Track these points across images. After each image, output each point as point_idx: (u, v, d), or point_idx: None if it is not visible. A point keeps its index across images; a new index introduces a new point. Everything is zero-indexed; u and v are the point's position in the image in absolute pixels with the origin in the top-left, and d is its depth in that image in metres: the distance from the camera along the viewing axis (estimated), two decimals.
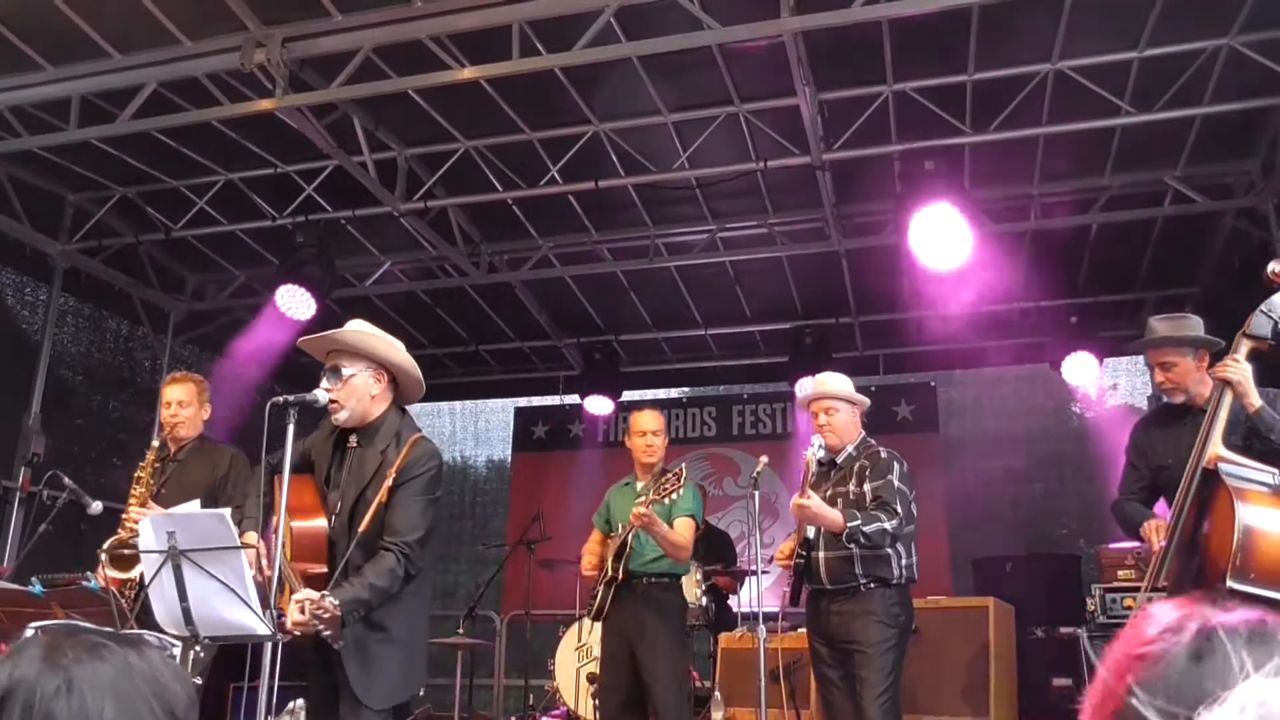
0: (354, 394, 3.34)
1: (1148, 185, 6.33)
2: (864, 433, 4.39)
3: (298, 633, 3.10)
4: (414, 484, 3.28)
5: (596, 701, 5.88)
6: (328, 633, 3.06)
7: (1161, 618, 0.77)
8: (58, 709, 1.04)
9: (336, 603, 3.03)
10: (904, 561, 4.16)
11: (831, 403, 4.31)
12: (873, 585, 4.09)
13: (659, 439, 4.69)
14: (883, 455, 4.25)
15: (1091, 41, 5.17)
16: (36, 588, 3.69)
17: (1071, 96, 5.40)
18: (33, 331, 6.81)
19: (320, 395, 3.39)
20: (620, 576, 4.49)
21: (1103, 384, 8.30)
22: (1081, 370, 7.48)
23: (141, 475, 4.52)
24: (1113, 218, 6.46)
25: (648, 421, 4.73)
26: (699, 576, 5.67)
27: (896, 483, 4.11)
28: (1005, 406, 9.35)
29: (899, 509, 4.02)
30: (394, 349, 3.46)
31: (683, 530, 4.44)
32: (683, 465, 4.40)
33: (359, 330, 3.46)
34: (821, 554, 4.17)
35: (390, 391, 3.44)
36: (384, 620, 3.26)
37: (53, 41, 5.13)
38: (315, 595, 3.05)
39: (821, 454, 4.03)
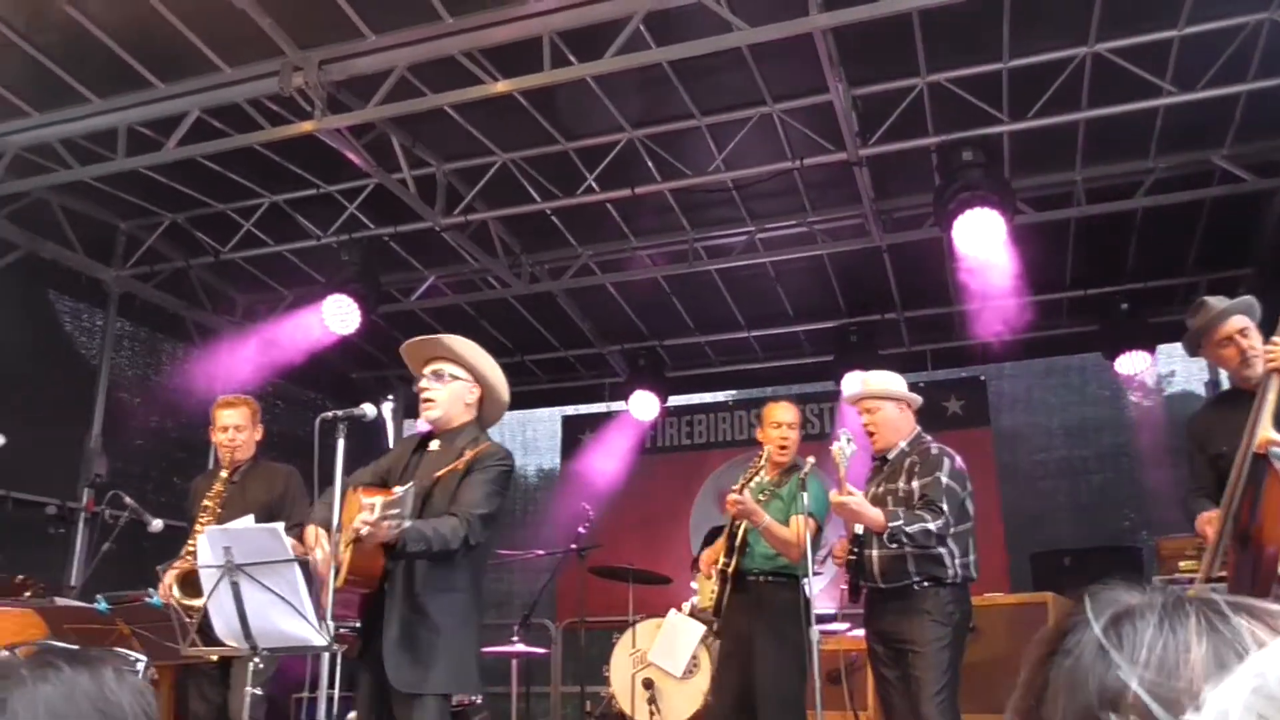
0: (451, 397, 3.52)
1: (1194, 166, 6.19)
2: (918, 429, 4.34)
3: (364, 532, 3.06)
4: (487, 471, 3.41)
5: (653, 708, 5.89)
6: (394, 523, 3.04)
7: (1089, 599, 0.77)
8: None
9: (409, 488, 3.06)
10: (958, 560, 4.07)
11: (874, 401, 4.27)
12: (926, 584, 4.02)
13: (795, 432, 4.52)
14: (933, 452, 4.17)
15: (1129, 22, 5.08)
16: (101, 605, 3.80)
17: (1111, 79, 5.31)
18: (91, 356, 6.99)
19: (369, 409, 3.47)
20: (731, 570, 4.37)
21: (1158, 370, 8.13)
22: (1134, 358, 7.34)
23: (209, 504, 4.57)
24: (1160, 201, 6.32)
25: (783, 413, 4.56)
26: None
27: (945, 480, 4.03)
28: (1058, 397, 9.20)
29: (945, 507, 3.94)
30: (495, 370, 3.66)
31: (796, 527, 4.24)
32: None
33: (468, 342, 3.64)
34: (874, 552, 4.12)
35: (477, 407, 3.62)
36: (431, 609, 3.31)
37: (99, 74, 5.28)
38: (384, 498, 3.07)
39: (851, 448, 3.94)
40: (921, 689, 3.94)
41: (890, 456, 4.26)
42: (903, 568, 4.04)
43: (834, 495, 3.92)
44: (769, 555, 4.38)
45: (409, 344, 3.69)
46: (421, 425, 3.71)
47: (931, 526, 3.88)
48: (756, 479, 4.43)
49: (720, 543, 4.50)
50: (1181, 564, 5.29)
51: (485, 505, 3.35)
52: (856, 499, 3.89)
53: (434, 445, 3.58)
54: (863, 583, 4.21)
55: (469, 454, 3.42)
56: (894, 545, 3.92)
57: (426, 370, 3.58)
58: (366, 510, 3.07)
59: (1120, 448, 8.79)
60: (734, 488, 4.31)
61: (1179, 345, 8.53)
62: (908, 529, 3.85)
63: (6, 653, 1.21)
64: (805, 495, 4.23)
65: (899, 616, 4.06)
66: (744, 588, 4.40)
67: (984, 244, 5.82)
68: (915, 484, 4.07)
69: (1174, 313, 7.87)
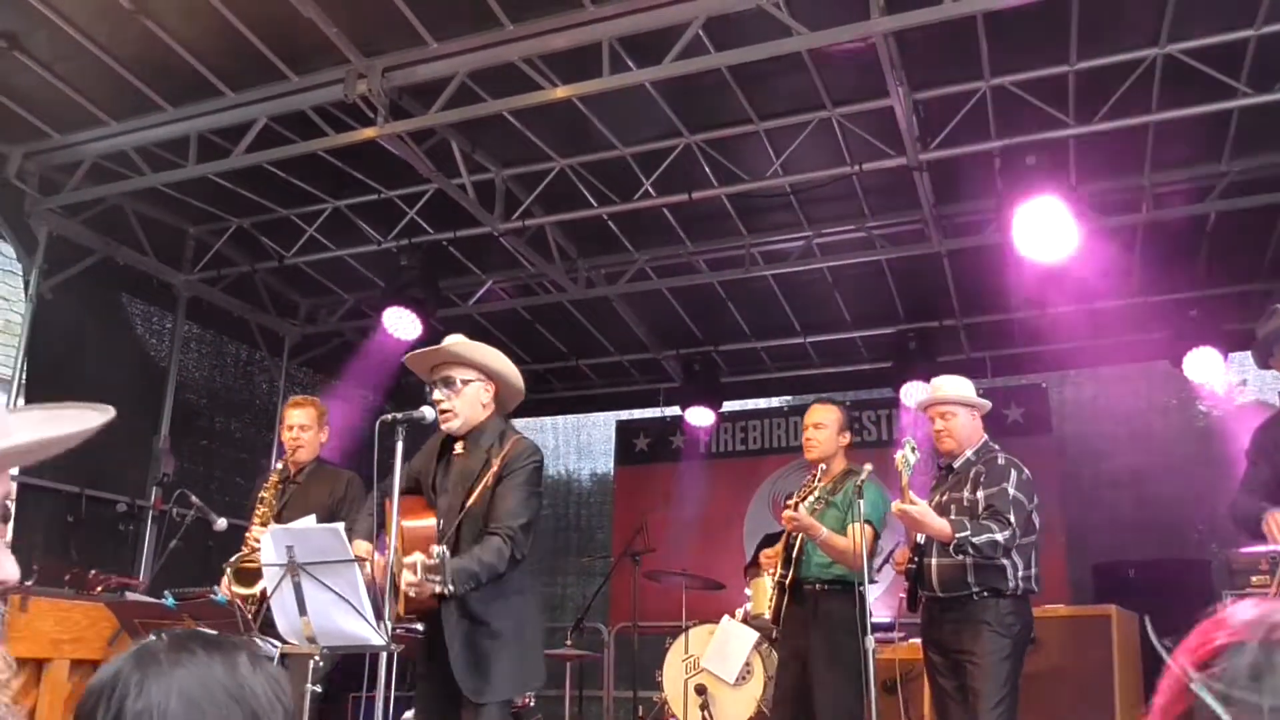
0: (467, 402, 3.52)
1: (1269, 169, 6.01)
2: (985, 438, 4.27)
3: (412, 593, 3.16)
4: (517, 475, 3.42)
5: (705, 713, 5.87)
6: (438, 586, 3.09)
7: (1235, 617, 0.74)
8: (127, 706, 1.10)
9: (444, 551, 3.07)
10: (1020, 573, 4.00)
11: (948, 407, 4.21)
12: (986, 595, 3.96)
13: (819, 433, 4.45)
14: (1000, 461, 4.11)
15: (1202, 22, 4.94)
16: (169, 600, 3.89)
17: (1182, 80, 5.17)
18: (160, 358, 7.18)
19: (428, 412, 3.54)
20: (789, 581, 4.34)
21: (1229, 379, 7.89)
22: (1205, 366, 7.14)
23: (265, 495, 4.72)
24: (1233, 205, 6.14)
25: (811, 414, 4.53)
26: None
27: (1012, 491, 3.96)
28: (1124, 406, 8.97)
29: (1012, 519, 3.87)
30: (502, 359, 3.65)
31: (853, 536, 4.15)
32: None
33: (469, 342, 3.63)
34: (934, 560, 4.06)
35: (494, 400, 3.61)
36: (490, 617, 3.38)
37: (172, 84, 5.43)
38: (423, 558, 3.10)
39: (915, 456, 3.87)
40: (980, 700, 3.88)
41: (956, 465, 4.20)
42: (962, 578, 3.98)
43: (897, 505, 3.86)
44: (825, 564, 4.33)
45: (410, 357, 3.68)
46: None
47: (999, 538, 3.81)
48: (814, 492, 4.35)
49: (779, 547, 4.46)
50: (1254, 579, 5.10)
51: (523, 514, 3.39)
52: (920, 508, 3.83)
53: (458, 448, 3.58)
54: (922, 592, 4.16)
55: (496, 462, 3.43)
56: (959, 556, 3.86)
57: (436, 378, 3.56)
58: (409, 571, 3.14)
59: (1189, 458, 8.53)
60: (789, 503, 4.28)
61: (1250, 354, 8.33)
62: (974, 540, 3.79)
63: (153, 638, 1.25)
64: (861, 502, 4.12)
65: (958, 627, 4.01)
66: (801, 598, 4.36)
67: (1048, 249, 5.71)
68: (980, 494, 4.01)
69: (1246, 320, 7.65)
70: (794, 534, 4.34)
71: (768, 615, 4.42)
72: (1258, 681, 0.67)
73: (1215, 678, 0.70)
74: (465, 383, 3.52)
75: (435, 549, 3.09)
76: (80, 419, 0.73)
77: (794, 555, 4.35)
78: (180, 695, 1.12)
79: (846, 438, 4.51)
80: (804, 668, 4.28)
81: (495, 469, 3.42)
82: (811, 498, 4.28)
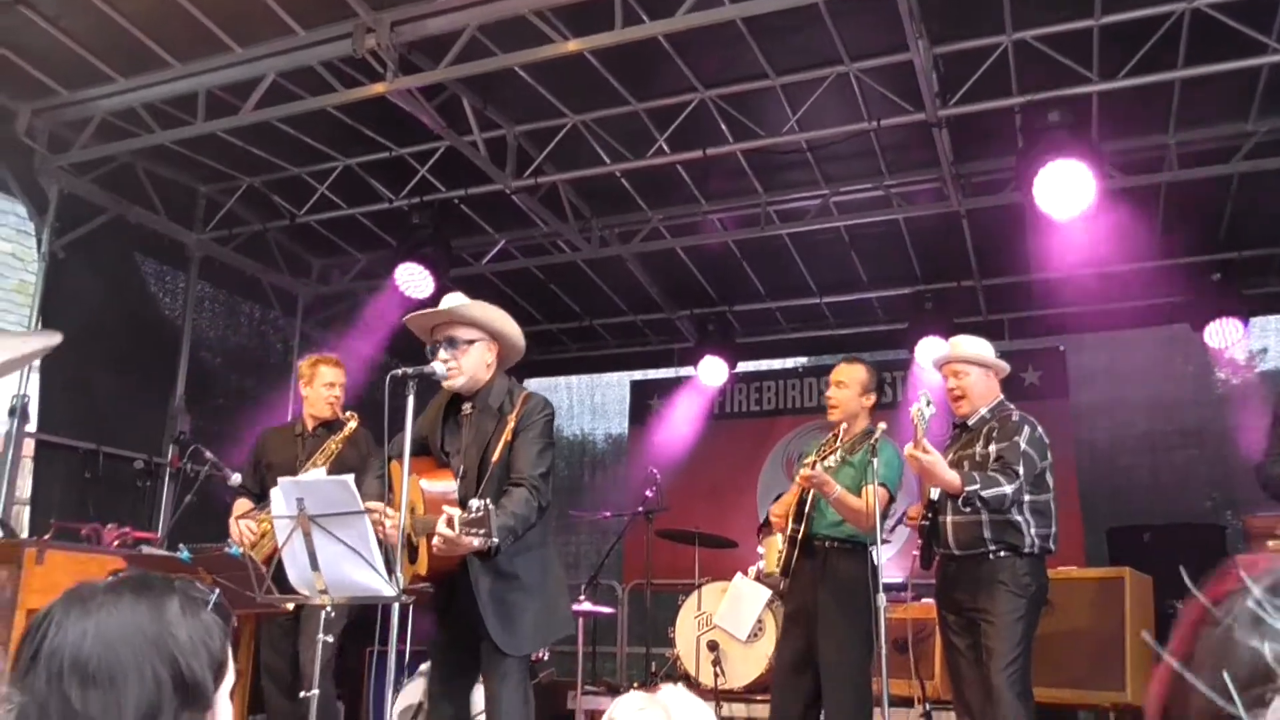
0: (472, 361, 3.54)
1: None
2: (1001, 397, 4.24)
3: (441, 550, 3.17)
4: (531, 429, 3.47)
5: (717, 670, 5.90)
6: (480, 540, 3.08)
7: (1247, 567, 0.72)
8: (45, 643, 1.14)
9: (486, 503, 3.07)
10: (1036, 531, 3.98)
11: (962, 366, 4.19)
12: (1003, 553, 3.95)
13: (840, 391, 4.34)
14: (1014, 418, 4.09)
15: None
16: (184, 554, 3.93)
17: (1210, 36, 5.04)
18: (174, 317, 7.19)
19: (439, 367, 3.55)
20: (800, 536, 4.29)
21: (1249, 346, 7.80)
22: (1225, 332, 7.05)
23: (319, 460, 4.73)
24: (1258, 166, 6.02)
25: (835, 371, 4.44)
26: None
27: (1023, 445, 3.94)
28: (1141, 371, 8.88)
29: (1020, 471, 3.85)
30: (504, 318, 3.66)
31: (866, 497, 4.08)
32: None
33: (472, 302, 3.65)
34: (949, 518, 4.04)
35: (497, 360, 3.64)
36: (516, 569, 3.43)
37: (179, 38, 5.36)
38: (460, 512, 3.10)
39: (930, 409, 3.78)
40: (993, 659, 3.87)
41: (971, 423, 4.18)
42: (979, 535, 3.96)
43: (909, 448, 3.79)
44: (837, 521, 4.27)
45: (411, 318, 3.67)
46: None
47: (1007, 490, 3.80)
48: (835, 452, 4.25)
49: (789, 500, 4.41)
50: (1270, 543, 5.08)
51: (541, 464, 3.44)
52: (932, 456, 3.78)
53: (466, 408, 3.60)
54: (937, 550, 4.14)
55: (511, 418, 3.47)
56: (968, 509, 3.84)
57: (439, 338, 3.56)
58: (443, 523, 3.13)
59: (1206, 424, 8.48)
60: (807, 460, 4.23)
61: (1273, 319, 8.23)
62: (983, 493, 3.78)
63: (106, 579, 1.26)
64: (877, 462, 4.07)
65: (973, 585, 3.99)
66: (811, 553, 4.30)
67: (1068, 209, 5.62)
68: (992, 448, 4.00)
69: (1269, 284, 7.56)
70: (806, 490, 4.29)
71: (778, 571, 4.40)
72: (1259, 626, 0.66)
73: (1218, 622, 0.69)
74: (469, 343, 3.54)
75: (475, 502, 3.09)
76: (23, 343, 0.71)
77: (806, 511, 4.31)
78: (97, 636, 1.14)
79: (871, 399, 4.38)
80: (811, 624, 4.25)
81: (511, 424, 3.45)
82: (833, 457, 4.21)
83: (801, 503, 4.32)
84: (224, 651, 1.25)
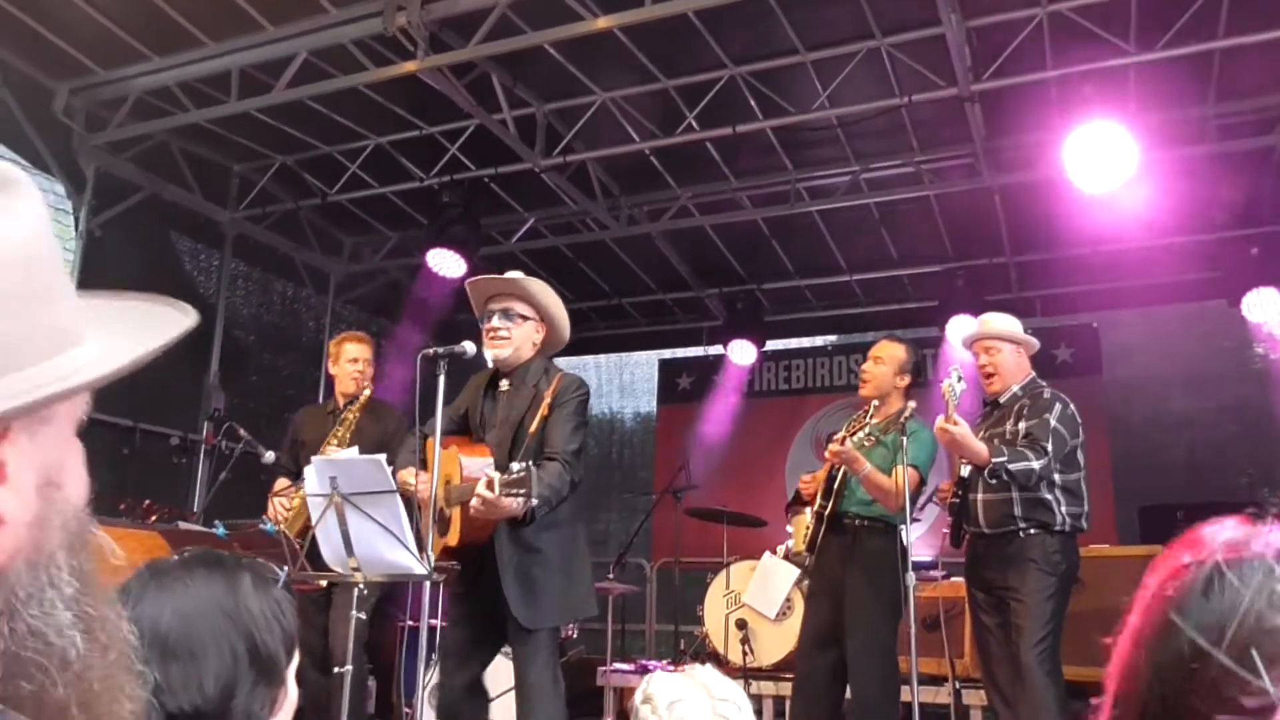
0: (521, 336, 3.63)
1: None
2: (1033, 374, 4.21)
3: (478, 511, 3.22)
4: (566, 407, 3.54)
5: (746, 648, 5.93)
6: (519, 502, 3.14)
7: (1205, 538, 0.73)
8: (127, 614, 1.15)
9: (529, 465, 3.11)
10: (1068, 509, 3.97)
11: (993, 342, 4.16)
12: (1033, 531, 3.94)
13: (877, 367, 4.31)
14: (1045, 395, 4.07)
15: None
16: (220, 530, 3.99)
17: (1252, 4, 4.94)
18: (209, 295, 7.28)
19: (469, 347, 3.58)
20: (828, 513, 4.27)
21: None
22: (1266, 306, 6.92)
23: (340, 431, 4.77)
24: None
25: (874, 348, 4.42)
26: None
27: (1053, 423, 3.92)
28: (1178, 347, 8.77)
29: (1050, 448, 3.82)
30: (560, 306, 3.76)
31: (897, 477, 4.07)
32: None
33: (534, 279, 3.71)
34: (979, 496, 4.03)
35: (542, 343, 3.72)
36: (541, 544, 3.47)
37: (212, 17, 5.41)
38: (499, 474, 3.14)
39: (961, 385, 3.77)
40: (1023, 637, 3.86)
41: (1003, 400, 4.15)
42: (1009, 512, 3.95)
43: (940, 422, 3.77)
44: (867, 500, 4.24)
45: (477, 280, 3.73)
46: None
47: (1035, 465, 3.78)
48: (864, 428, 4.22)
49: (820, 476, 4.39)
50: None
51: (574, 440, 3.50)
52: (961, 428, 3.76)
53: (504, 385, 3.67)
54: (967, 528, 4.13)
55: (547, 395, 3.53)
56: (994, 482, 3.84)
57: (495, 308, 3.63)
58: (483, 484, 3.16)
59: (1243, 402, 8.36)
60: (837, 436, 4.21)
61: None
62: (1010, 466, 3.76)
63: (183, 555, 1.29)
64: (907, 441, 4.06)
65: (1004, 563, 3.98)
66: (840, 529, 4.28)
67: (1103, 181, 5.54)
68: (1022, 425, 3.98)
69: None
70: (837, 466, 4.27)
71: (804, 548, 4.40)
72: (1207, 599, 0.67)
73: (1173, 600, 0.70)
74: (523, 318, 3.62)
75: (516, 465, 3.13)
76: (166, 323, 0.67)
77: (835, 487, 4.29)
78: (175, 610, 1.16)
79: (906, 380, 4.33)
80: (838, 602, 4.23)
81: (547, 400, 3.52)
82: (861, 433, 4.17)
83: (831, 479, 4.30)
84: (294, 627, 1.27)
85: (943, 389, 3.77)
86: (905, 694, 4.27)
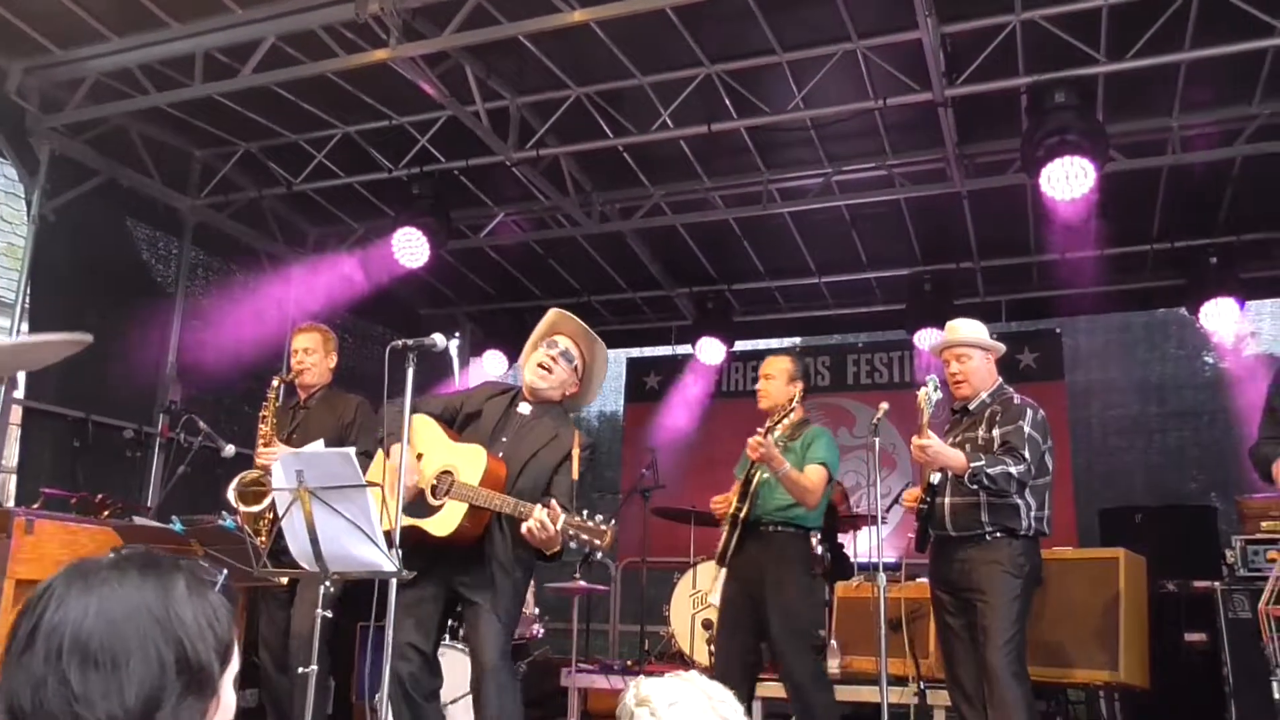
0: (561, 381, 3.88)
1: None
2: (1000, 380, 4.25)
3: (538, 534, 3.39)
4: (580, 463, 3.72)
5: (712, 648, 5.91)
6: (573, 545, 3.38)
7: None
8: (45, 618, 1.09)
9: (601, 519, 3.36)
10: (1034, 513, 4.03)
11: (964, 350, 4.19)
12: (999, 534, 3.99)
13: (768, 383, 4.59)
14: (1016, 402, 4.13)
15: None
16: (177, 525, 3.88)
17: (1218, 18, 5.01)
18: (167, 284, 7.10)
19: (439, 339, 3.63)
20: (743, 516, 4.40)
21: (1242, 330, 7.82)
22: (1221, 315, 7.06)
23: (266, 414, 4.71)
24: (1260, 149, 6.00)
25: (764, 365, 4.68)
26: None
27: (1028, 429, 3.97)
28: (1136, 354, 8.96)
29: (1027, 455, 3.88)
30: (603, 378, 4.12)
31: (812, 475, 4.32)
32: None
33: (602, 346, 4.05)
34: (947, 499, 4.07)
35: (574, 394, 4.01)
36: (512, 566, 3.71)
37: None
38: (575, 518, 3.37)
39: (937, 394, 3.91)
40: (989, 639, 3.91)
41: (972, 407, 4.19)
42: (976, 516, 3.99)
43: (915, 440, 3.88)
44: (782, 506, 4.40)
45: (567, 314, 4.00)
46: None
47: (1013, 470, 3.83)
48: (776, 431, 4.40)
49: (735, 487, 4.52)
50: (1264, 524, 5.11)
51: (574, 496, 3.68)
52: (936, 443, 3.87)
53: (524, 408, 3.87)
54: (933, 532, 4.16)
55: (569, 443, 3.70)
56: (974, 487, 3.88)
57: (560, 343, 3.89)
58: (550, 519, 3.36)
59: (1198, 406, 8.55)
60: (759, 430, 4.31)
61: (1268, 303, 8.25)
62: (989, 470, 3.82)
63: (116, 555, 1.21)
64: (815, 447, 4.37)
65: (969, 566, 4.03)
66: (756, 535, 4.43)
67: (1070, 192, 5.59)
68: (996, 432, 4.02)
69: (1266, 268, 7.55)
70: (754, 470, 4.39)
71: (715, 562, 4.60)
72: None
73: None
74: (572, 365, 3.88)
75: (600, 517, 3.33)
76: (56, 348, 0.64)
77: (752, 490, 4.39)
78: (100, 614, 1.09)
79: (797, 387, 4.56)
80: (759, 598, 4.36)
81: (568, 452, 3.69)
82: (772, 437, 4.33)
83: (748, 482, 4.39)
84: (230, 635, 1.19)
85: (919, 398, 3.82)
86: (874, 694, 4.29)
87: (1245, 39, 5.08)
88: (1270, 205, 6.91)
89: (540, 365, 3.86)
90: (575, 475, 3.65)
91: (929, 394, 3.82)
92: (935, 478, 4.10)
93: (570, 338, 3.94)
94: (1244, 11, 4.91)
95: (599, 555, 3.45)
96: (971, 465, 3.81)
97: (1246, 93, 5.79)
